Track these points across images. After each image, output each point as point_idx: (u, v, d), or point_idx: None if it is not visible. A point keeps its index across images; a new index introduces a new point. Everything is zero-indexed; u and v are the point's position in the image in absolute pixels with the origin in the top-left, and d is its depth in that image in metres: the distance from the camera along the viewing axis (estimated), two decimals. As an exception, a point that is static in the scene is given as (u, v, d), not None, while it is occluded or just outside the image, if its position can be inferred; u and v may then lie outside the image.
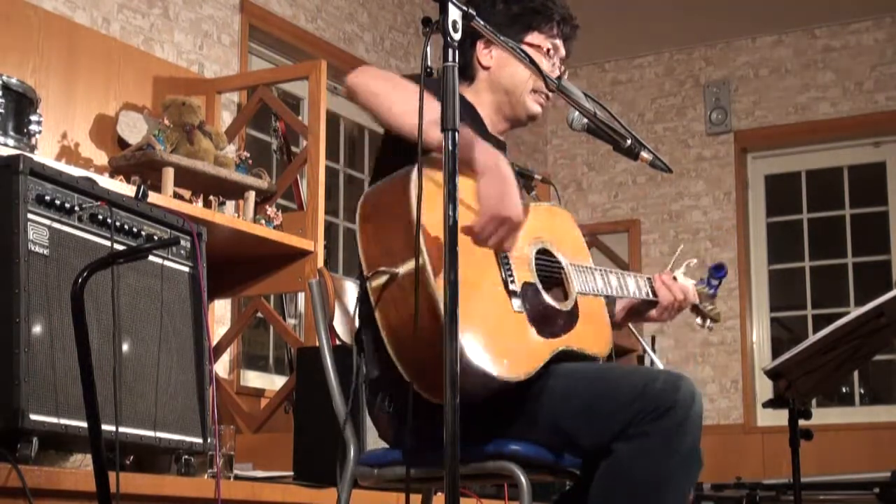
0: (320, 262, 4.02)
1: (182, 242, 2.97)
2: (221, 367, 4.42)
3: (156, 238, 2.85)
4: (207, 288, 2.99)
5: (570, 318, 2.33)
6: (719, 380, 6.77)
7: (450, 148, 1.82)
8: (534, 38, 2.50)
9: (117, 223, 2.74)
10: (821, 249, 6.90)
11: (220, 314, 4.48)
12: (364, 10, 5.68)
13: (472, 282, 2.04)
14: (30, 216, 2.51)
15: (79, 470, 2.57)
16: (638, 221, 7.14)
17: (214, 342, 4.12)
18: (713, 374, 6.79)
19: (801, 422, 3.18)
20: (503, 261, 2.21)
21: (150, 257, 2.83)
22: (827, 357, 3.05)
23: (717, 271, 2.80)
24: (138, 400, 2.74)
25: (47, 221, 2.55)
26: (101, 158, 3.88)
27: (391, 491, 2.81)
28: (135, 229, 2.80)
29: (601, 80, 7.36)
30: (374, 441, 2.45)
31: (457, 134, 1.83)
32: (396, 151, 2.20)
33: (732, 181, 6.96)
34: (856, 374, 6.57)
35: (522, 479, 2.16)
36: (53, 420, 2.47)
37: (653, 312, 2.63)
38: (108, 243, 2.68)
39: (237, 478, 3.25)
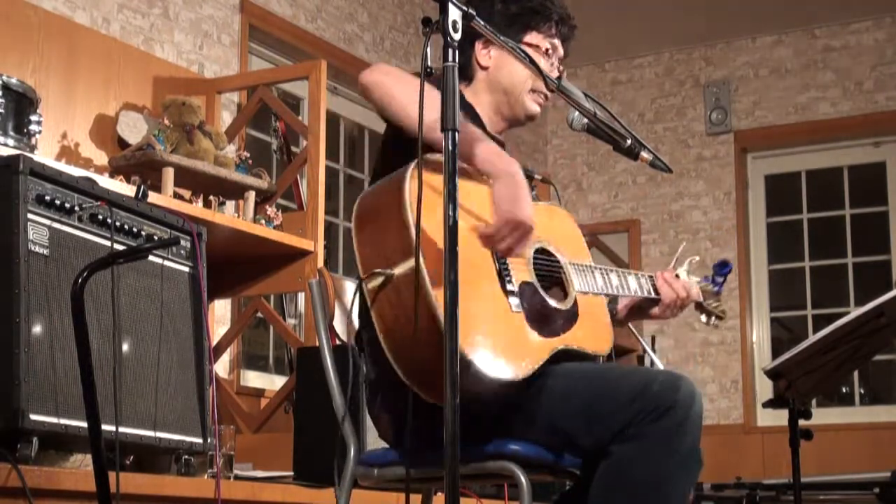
0: (320, 262, 4.02)
1: (182, 242, 2.97)
2: (221, 367, 4.42)
3: (156, 238, 2.85)
4: (207, 288, 2.98)
5: (570, 317, 2.32)
6: (719, 380, 6.77)
7: (450, 148, 1.82)
8: (532, 38, 2.50)
9: (117, 223, 2.74)
10: (821, 249, 6.89)
11: (220, 314, 4.48)
12: (364, 10, 5.68)
13: (468, 282, 2.04)
14: (30, 216, 2.50)
15: (79, 470, 2.57)
16: (638, 221, 7.13)
17: (214, 342, 4.12)
18: (713, 374, 6.79)
19: (801, 422, 3.17)
20: (500, 261, 2.20)
21: (150, 257, 2.83)
22: (827, 357, 3.04)
23: (722, 268, 2.80)
24: (138, 400, 2.74)
25: (47, 221, 2.55)
26: (101, 158, 3.88)
27: (391, 491, 2.81)
28: (135, 229, 2.80)
29: (601, 80, 7.36)
30: (374, 441, 2.44)
31: (457, 134, 1.83)
32: (397, 152, 2.20)
33: (732, 181, 6.95)
34: (856, 374, 6.56)
35: (522, 479, 2.16)
36: (53, 420, 2.47)
37: (655, 310, 2.63)
38: (108, 243, 2.68)
39: (237, 478, 3.25)
